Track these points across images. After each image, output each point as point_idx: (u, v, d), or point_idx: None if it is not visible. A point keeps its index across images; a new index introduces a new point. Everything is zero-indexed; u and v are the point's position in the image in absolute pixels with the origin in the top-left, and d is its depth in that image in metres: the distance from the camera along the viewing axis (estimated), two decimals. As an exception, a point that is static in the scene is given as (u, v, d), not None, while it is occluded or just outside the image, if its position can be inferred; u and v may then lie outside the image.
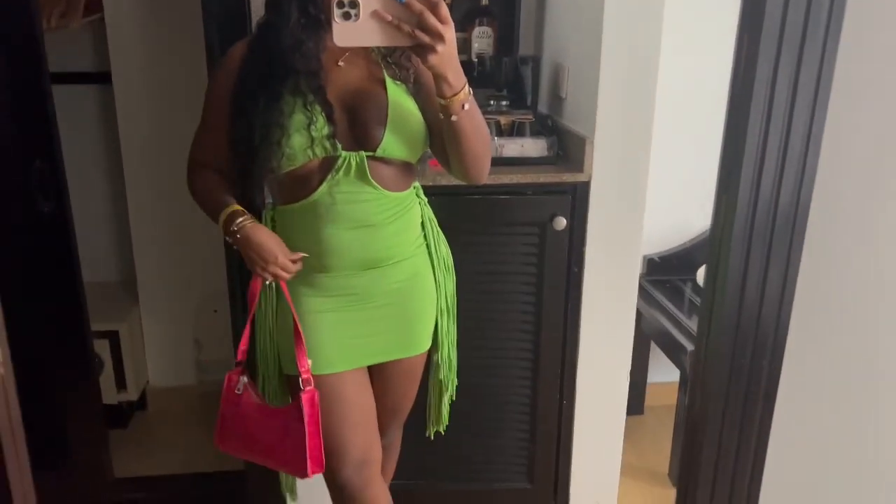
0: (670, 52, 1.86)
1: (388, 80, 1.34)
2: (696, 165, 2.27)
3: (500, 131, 1.92)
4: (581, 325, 1.92)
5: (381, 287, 1.42)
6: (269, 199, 1.43)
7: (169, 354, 2.71)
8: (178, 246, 2.58)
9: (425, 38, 1.12)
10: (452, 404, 1.67)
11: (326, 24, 1.27)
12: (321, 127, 1.28)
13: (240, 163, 1.33)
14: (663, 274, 2.54)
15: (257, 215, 1.40)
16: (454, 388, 1.64)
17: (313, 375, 1.38)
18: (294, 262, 1.35)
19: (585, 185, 1.82)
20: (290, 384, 1.46)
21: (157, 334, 2.68)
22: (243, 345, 1.43)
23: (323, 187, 1.32)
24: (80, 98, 2.56)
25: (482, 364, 1.93)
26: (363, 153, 1.31)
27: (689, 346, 2.10)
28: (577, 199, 1.82)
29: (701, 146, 2.23)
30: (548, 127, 1.98)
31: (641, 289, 2.42)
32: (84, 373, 2.07)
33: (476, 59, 2.17)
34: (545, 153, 1.87)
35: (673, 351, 2.23)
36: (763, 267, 1.42)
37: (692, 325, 2.17)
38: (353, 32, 1.12)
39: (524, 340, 1.93)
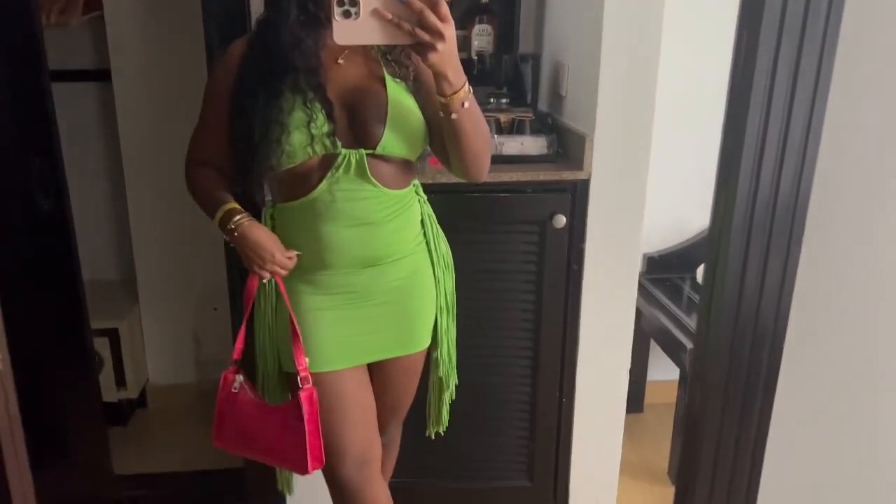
0: (670, 50, 1.86)
1: (388, 78, 1.34)
2: (696, 163, 2.27)
3: (500, 129, 1.92)
4: (581, 323, 1.92)
5: (380, 285, 1.42)
6: (268, 197, 1.43)
7: (169, 352, 2.71)
8: (178, 244, 2.58)
9: (425, 37, 1.12)
10: (452, 402, 1.67)
11: (326, 22, 1.27)
12: (321, 124, 1.28)
13: (240, 160, 1.33)
14: (663, 272, 2.54)
15: (257, 213, 1.40)
16: (454, 387, 1.64)
17: (313, 373, 1.38)
18: (290, 258, 1.36)
19: (585, 184, 1.81)
20: (290, 382, 1.46)
21: (157, 332, 2.68)
22: (239, 343, 1.43)
23: (323, 185, 1.32)
24: (80, 96, 2.56)
25: (482, 362, 1.94)
26: (363, 151, 1.31)
27: (689, 344, 2.10)
28: (576, 197, 1.82)
29: (701, 144, 2.22)
30: (548, 125, 1.98)
31: (641, 287, 2.42)
32: (84, 370, 2.07)
33: (476, 57, 2.17)
34: (545, 151, 1.87)
35: (672, 349, 2.23)
36: (762, 258, 1.42)
37: (692, 323, 2.17)
38: (353, 31, 1.12)
39: (524, 339, 1.93)
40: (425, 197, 1.50)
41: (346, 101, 1.32)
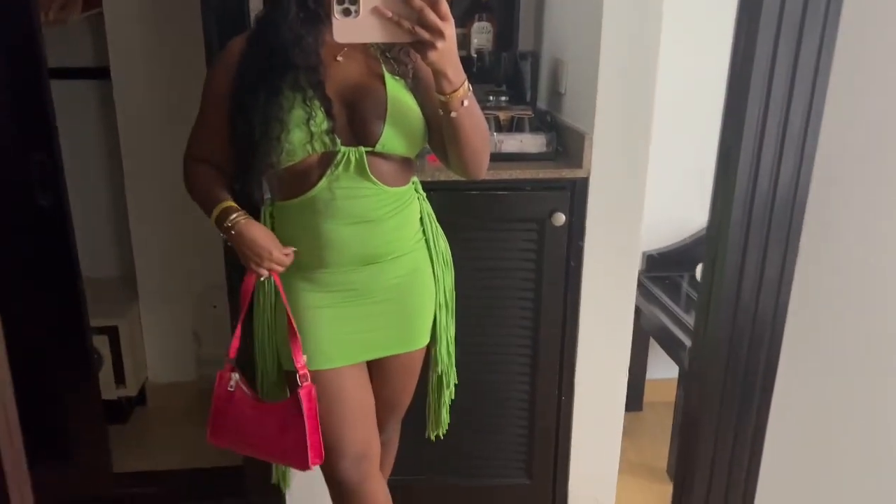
0: (670, 47, 1.86)
1: (387, 76, 1.34)
2: (696, 161, 2.26)
3: (499, 127, 1.92)
4: (580, 321, 1.92)
5: (380, 282, 1.42)
6: (267, 195, 1.43)
7: (168, 350, 2.71)
8: (177, 241, 2.58)
9: (425, 35, 1.12)
10: (451, 401, 1.67)
11: (325, 19, 1.27)
12: (320, 122, 1.28)
13: (239, 158, 1.33)
14: (662, 270, 2.54)
15: (256, 211, 1.40)
16: (453, 386, 1.64)
17: (312, 371, 1.38)
18: (287, 255, 1.36)
19: (584, 181, 1.81)
20: (289, 380, 1.46)
21: (157, 330, 2.68)
22: (235, 342, 1.43)
23: (322, 183, 1.32)
24: (79, 93, 2.56)
25: (481, 360, 1.93)
26: (362, 148, 1.31)
27: (688, 343, 2.10)
28: (575, 195, 1.82)
29: (700, 142, 2.22)
30: (547, 123, 1.97)
31: (640, 285, 2.43)
32: (83, 368, 2.07)
33: (475, 55, 2.17)
34: (544, 149, 1.87)
35: (672, 347, 2.23)
36: (761, 253, 1.42)
37: (691, 321, 2.17)
38: (353, 29, 1.12)
39: (523, 337, 1.93)
40: (424, 194, 1.50)
41: (345, 99, 1.32)
